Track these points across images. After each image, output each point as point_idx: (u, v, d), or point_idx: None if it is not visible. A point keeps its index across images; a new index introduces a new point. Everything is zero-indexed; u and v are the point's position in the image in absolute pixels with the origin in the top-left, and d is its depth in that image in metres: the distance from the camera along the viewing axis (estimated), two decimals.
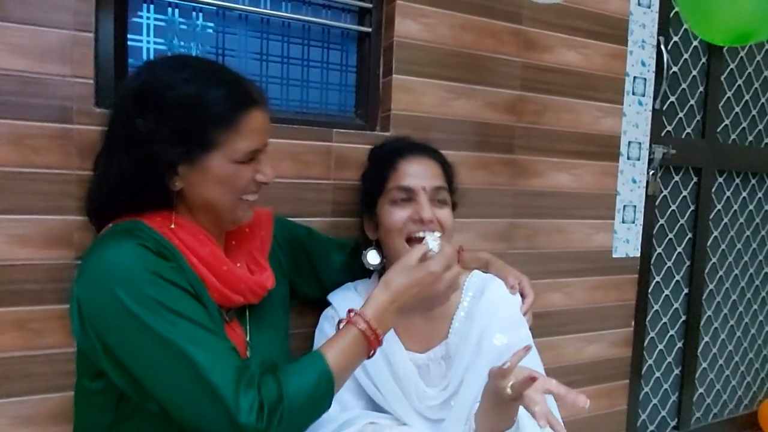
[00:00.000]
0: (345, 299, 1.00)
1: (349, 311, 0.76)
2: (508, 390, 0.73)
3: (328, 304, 1.02)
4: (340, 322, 0.75)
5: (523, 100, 1.34)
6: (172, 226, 0.72)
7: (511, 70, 1.31)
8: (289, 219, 1.04)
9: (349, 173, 1.14)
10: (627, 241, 1.56)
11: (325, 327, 1.00)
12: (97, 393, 0.70)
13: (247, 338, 0.83)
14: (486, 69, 1.28)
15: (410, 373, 0.94)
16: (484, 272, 1.03)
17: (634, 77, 1.51)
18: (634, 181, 1.55)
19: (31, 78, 0.89)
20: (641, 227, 1.58)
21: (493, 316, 0.94)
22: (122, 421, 0.70)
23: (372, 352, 0.74)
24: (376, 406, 0.97)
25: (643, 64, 1.52)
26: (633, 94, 1.51)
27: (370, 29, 1.21)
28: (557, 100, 1.39)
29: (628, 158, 1.53)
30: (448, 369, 0.95)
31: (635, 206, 1.56)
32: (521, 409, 0.83)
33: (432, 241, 0.82)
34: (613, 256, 1.54)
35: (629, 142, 1.52)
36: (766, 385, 2.15)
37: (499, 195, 1.34)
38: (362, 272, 1.06)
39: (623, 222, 1.54)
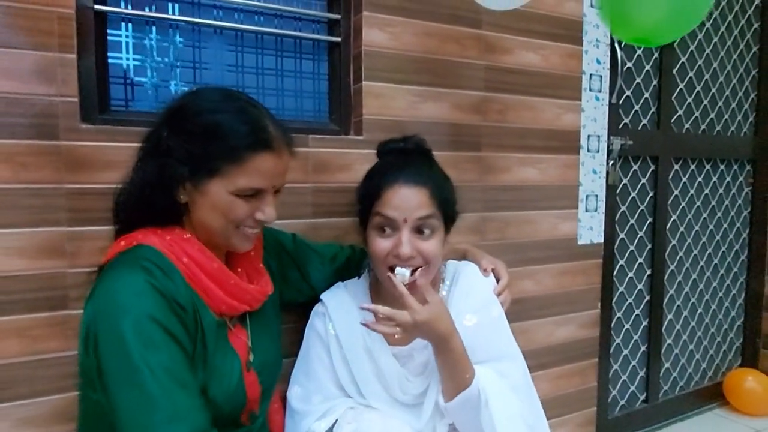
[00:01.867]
0: (335, 297, 1.05)
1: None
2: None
3: (317, 301, 1.07)
4: None
5: (487, 101, 1.43)
6: (187, 236, 0.79)
7: (474, 73, 1.40)
8: (274, 228, 1.08)
9: (326, 176, 1.21)
10: (591, 229, 1.66)
11: (316, 322, 1.04)
12: (103, 403, 0.73)
13: (249, 342, 0.89)
14: (450, 72, 1.36)
15: (392, 367, 0.99)
16: (458, 261, 1.10)
17: (591, 74, 1.61)
18: (595, 172, 1.65)
19: (18, 99, 0.93)
20: (604, 215, 1.68)
21: (466, 299, 1.01)
22: None
23: None
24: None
25: (598, 61, 1.62)
26: (590, 90, 1.61)
27: (339, 39, 1.28)
28: (519, 99, 1.48)
29: (588, 151, 1.63)
30: (430, 355, 1.00)
31: (597, 195, 1.66)
32: (479, 371, 0.92)
33: (400, 275, 0.90)
34: (579, 243, 1.64)
35: (588, 136, 1.62)
36: (729, 357, 2.30)
37: (469, 191, 1.42)
38: (349, 274, 1.12)
39: (586, 211, 1.64)
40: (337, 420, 0.93)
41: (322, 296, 1.07)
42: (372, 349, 1.00)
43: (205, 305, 0.80)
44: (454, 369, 0.91)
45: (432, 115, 1.34)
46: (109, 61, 1.08)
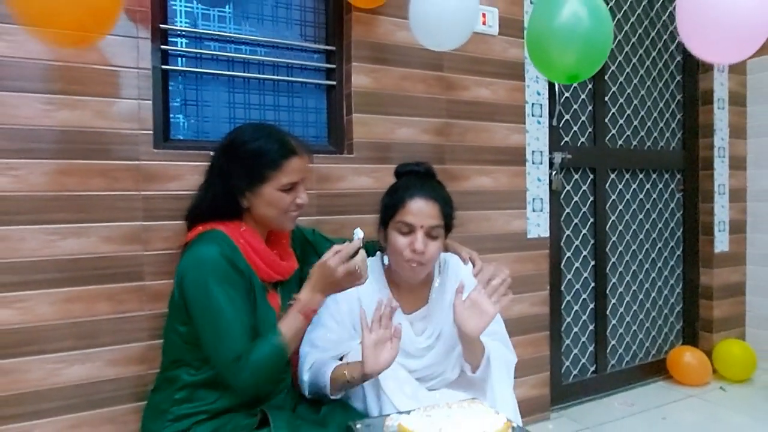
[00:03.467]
0: None
1: (294, 300, 1.13)
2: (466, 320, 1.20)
3: None
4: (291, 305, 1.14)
5: (449, 126, 1.85)
6: (243, 228, 1.16)
7: (438, 105, 1.82)
8: (299, 225, 1.41)
9: (326, 185, 1.62)
10: (538, 225, 2.07)
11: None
12: (185, 330, 1.12)
13: (280, 302, 1.26)
14: (420, 105, 1.79)
15: (407, 328, 1.32)
16: (443, 252, 1.46)
17: (533, 104, 2.04)
18: (539, 180, 2.07)
19: (112, 132, 1.35)
20: (548, 214, 2.10)
21: (455, 282, 1.35)
22: (199, 349, 1.12)
23: (310, 318, 1.14)
24: None
25: (538, 93, 2.05)
26: (532, 116, 2.04)
27: (335, 83, 1.70)
28: (475, 123, 1.91)
29: (533, 163, 2.05)
30: (428, 322, 1.38)
31: (542, 199, 2.08)
32: (487, 345, 1.27)
33: (358, 234, 1.21)
34: (528, 237, 2.04)
35: (533, 152, 2.05)
36: (671, 338, 2.69)
37: None
38: None
39: (533, 211, 2.05)
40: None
41: None
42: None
43: (254, 273, 1.17)
44: (477, 342, 1.26)
45: (406, 137, 1.76)
46: (170, 103, 1.49)
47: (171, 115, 1.49)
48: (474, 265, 1.47)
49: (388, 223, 1.30)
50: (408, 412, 0.92)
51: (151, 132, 1.39)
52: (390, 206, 1.29)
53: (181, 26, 1.51)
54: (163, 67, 1.46)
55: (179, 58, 1.52)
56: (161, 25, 1.45)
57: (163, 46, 1.46)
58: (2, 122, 1.24)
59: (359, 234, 1.15)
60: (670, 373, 2.56)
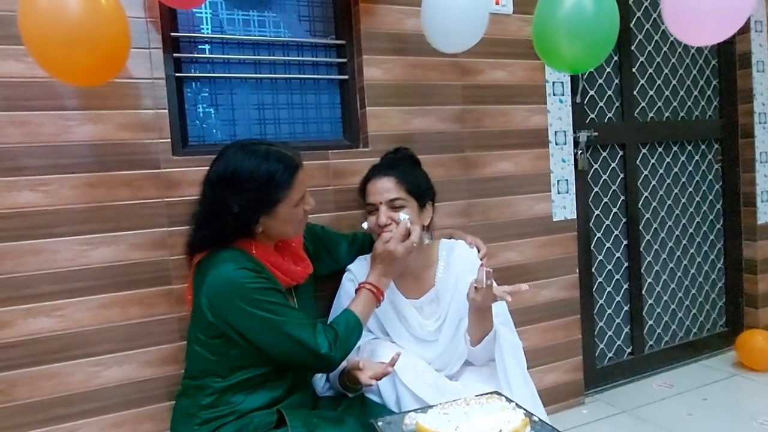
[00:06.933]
0: (360, 266, 1.44)
1: (360, 283, 1.26)
2: (477, 297, 1.23)
3: (345, 270, 1.46)
4: (358, 288, 1.27)
5: (465, 112, 1.81)
6: (254, 251, 1.16)
7: (453, 91, 1.79)
8: (310, 222, 1.45)
9: (343, 180, 1.63)
10: (564, 207, 2.01)
11: (347, 285, 1.43)
12: (213, 344, 1.15)
13: (296, 305, 1.28)
14: (433, 93, 1.75)
15: (412, 313, 1.40)
16: (448, 239, 1.50)
17: (553, 82, 1.97)
18: (564, 161, 2.01)
19: (133, 143, 1.39)
20: (575, 195, 2.03)
21: (462, 264, 1.42)
22: (228, 359, 1.15)
23: (379, 301, 1.25)
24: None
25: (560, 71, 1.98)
26: (554, 95, 1.97)
27: (347, 77, 1.69)
28: (493, 108, 1.86)
29: (556, 144, 1.99)
30: (438, 305, 1.41)
31: (567, 180, 2.02)
32: (494, 319, 1.30)
33: (403, 217, 1.32)
34: (554, 219, 1.99)
35: (555, 132, 1.98)
36: (713, 315, 2.58)
37: (456, 184, 1.80)
38: (363, 252, 1.51)
39: (559, 193, 2.00)
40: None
41: (350, 267, 1.46)
42: (394, 301, 1.40)
43: (276, 280, 1.18)
44: (486, 320, 1.31)
45: (421, 127, 1.74)
46: (186, 110, 1.52)
47: (188, 122, 1.53)
48: (479, 250, 1.50)
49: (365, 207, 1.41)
50: (425, 410, 0.92)
51: (169, 140, 1.43)
52: (360, 195, 1.43)
53: (191, 33, 1.53)
54: (177, 74, 1.48)
55: (192, 65, 1.55)
56: (172, 34, 1.48)
57: (175, 54, 1.49)
58: (30, 141, 1.30)
59: (404, 217, 1.31)
60: (740, 358, 2.35)
